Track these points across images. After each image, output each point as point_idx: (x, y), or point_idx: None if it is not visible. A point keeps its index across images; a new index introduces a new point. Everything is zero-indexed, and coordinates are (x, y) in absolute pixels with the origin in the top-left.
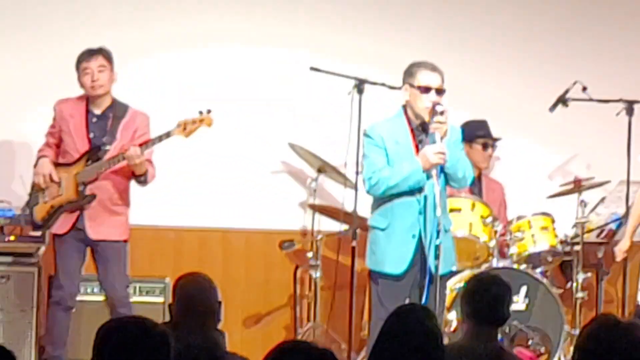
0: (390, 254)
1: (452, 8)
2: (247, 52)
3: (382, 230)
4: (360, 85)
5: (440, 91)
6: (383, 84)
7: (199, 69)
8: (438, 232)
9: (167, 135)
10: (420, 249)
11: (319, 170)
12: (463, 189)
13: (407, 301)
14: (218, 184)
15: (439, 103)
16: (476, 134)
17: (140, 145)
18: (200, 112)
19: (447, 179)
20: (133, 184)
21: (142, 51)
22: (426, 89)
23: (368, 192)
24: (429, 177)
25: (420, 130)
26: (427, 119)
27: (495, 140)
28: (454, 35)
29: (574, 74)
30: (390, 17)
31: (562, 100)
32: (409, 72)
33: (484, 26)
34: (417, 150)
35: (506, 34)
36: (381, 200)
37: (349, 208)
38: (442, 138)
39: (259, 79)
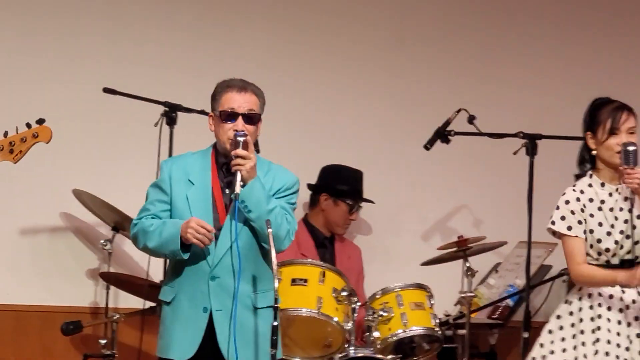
0: (177, 335)
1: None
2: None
3: (168, 304)
4: (170, 112)
5: (249, 117)
6: (202, 112)
7: None
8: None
9: None
10: (212, 328)
11: (116, 227)
12: (278, 251)
13: None
14: None
15: (242, 133)
16: (344, 189)
17: None
18: (28, 125)
19: (258, 240)
20: None
21: None
22: (229, 115)
23: (132, 241)
24: (187, 251)
25: (229, 171)
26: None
27: (365, 202)
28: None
29: (458, 101)
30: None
31: (442, 133)
32: (213, 95)
33: (334, 46)
34: (219, 197)
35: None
36: (172, 264)
37: (155, 278)
38: (241, 181)
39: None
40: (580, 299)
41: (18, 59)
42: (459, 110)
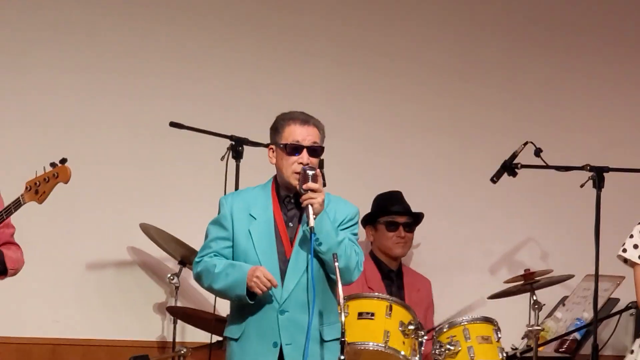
0: None
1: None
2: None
3: (236, 340)
4: (237, 146)
5: (314, 150)
6: (268, 145)
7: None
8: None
9: (17, 205)
10: None
11: (183, 261)
12: (347, 283)
13: None
14: (42, 281)
15: (311, 167)
16: (379, 210)
17: None
18: (53, 164)
19: (327, 272)
20: None
21: None
22: (294, 149)
23: (195, 280)
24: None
25: (293, 204)
26: (297, 187)
27: (413, 216)
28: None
29: (524, 134)
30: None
31: (508, 166)
32: (274, 128)
33: (398, 83)
34: (283, 230)
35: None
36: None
37: (223, 312)
38: (314, 214)
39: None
40: None
41: (86, 98)
42: (525, 143)
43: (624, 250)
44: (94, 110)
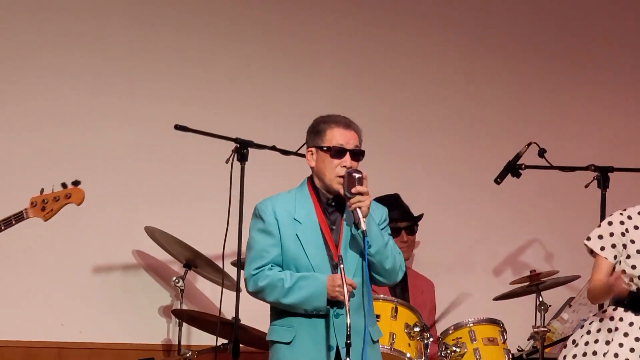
0: None
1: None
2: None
3: (287, 344)
4: (242, 148)
5: (356, 154)
6: (273, 148)
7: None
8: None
9: (19, 218)
10: None
11: (188, 264)
12: (392, 283)
13: None
14: (48, 284)
15: (356, 170)
16: None
17: None
18: (64, 185)
19: (372, 273)
20: None
21: None
22: (338, 152)
23: (250, 293)
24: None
25: (333, 207)
26: (340, 191)
27: (412, 220)
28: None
29: (528, 135)
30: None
31: (512, 167)
32: (315, 131)
33: (415, 83)
34: (328, 234)
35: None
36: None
37: (228, 315)
38: (363, 217)
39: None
40: (601, 320)
41: (91, 101)
42: (529, 144)
43: (588, 239)
44: (99, 113)
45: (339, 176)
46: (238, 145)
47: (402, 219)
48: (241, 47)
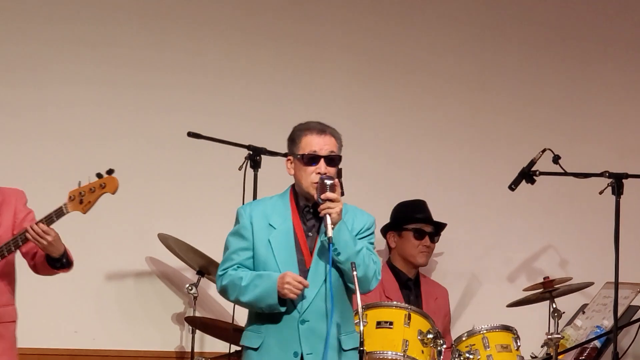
0: None
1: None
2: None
3: (255, 350)
4: (254, 155)
5: (332, 160)
6: (286, 155)
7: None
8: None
9: (59, 213)
10: None
11: (201, 271)
12: (365, 292)
13: None
14: (61, 291)
15: (329, 176)
16: (406, 217)
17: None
18: (99, 175)
19: (345, 281)
20: None
21: None
22: (311, 159)
23: (219, 293)
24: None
25: (312, 214)
26: (315, 197)
27: (437, 226)
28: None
29: (543, 142)
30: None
31: (527, 174)
32: (291, 139)
33: (428, 90)
34: (303, 240)
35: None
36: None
37: (241, 321)
38: (333, 224)
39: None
40: None
41: (105, 110)
42: (543, 150)
43: None
44: (113, 122)
45: (314, 183)
46: (251, 152)
47: (428, 223)
48: (255, 54)
